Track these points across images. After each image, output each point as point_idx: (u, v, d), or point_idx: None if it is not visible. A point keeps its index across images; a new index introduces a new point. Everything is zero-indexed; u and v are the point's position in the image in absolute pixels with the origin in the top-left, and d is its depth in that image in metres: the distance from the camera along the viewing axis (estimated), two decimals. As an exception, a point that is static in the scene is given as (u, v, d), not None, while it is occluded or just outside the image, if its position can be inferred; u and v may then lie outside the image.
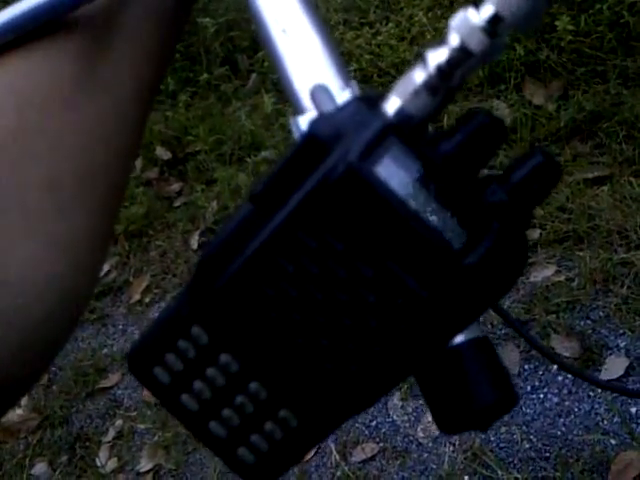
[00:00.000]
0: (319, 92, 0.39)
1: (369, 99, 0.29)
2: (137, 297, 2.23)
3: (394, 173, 0.27)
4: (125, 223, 2.38)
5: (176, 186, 2.46)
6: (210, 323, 0.31)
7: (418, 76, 0.27)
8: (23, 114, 0.34)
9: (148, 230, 2.39)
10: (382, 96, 0.28)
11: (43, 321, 0.33)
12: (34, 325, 0.33)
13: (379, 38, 2.31)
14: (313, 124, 0.28)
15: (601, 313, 1.61)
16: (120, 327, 2.20)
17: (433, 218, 0.27)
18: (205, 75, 2.60)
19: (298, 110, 0.42)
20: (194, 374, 0.32)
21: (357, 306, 0.28)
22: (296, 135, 0.42)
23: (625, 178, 1.79)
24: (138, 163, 2.55)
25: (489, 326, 1.65)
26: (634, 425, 1.42)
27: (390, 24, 2.37)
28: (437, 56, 0.27)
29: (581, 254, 1.70)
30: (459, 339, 0.36)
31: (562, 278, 1.68)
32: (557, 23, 1.98)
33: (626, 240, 1.69)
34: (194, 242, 2.27)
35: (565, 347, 1.57)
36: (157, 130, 2.53)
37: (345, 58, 2.28)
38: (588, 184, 1.82)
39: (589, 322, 1.60)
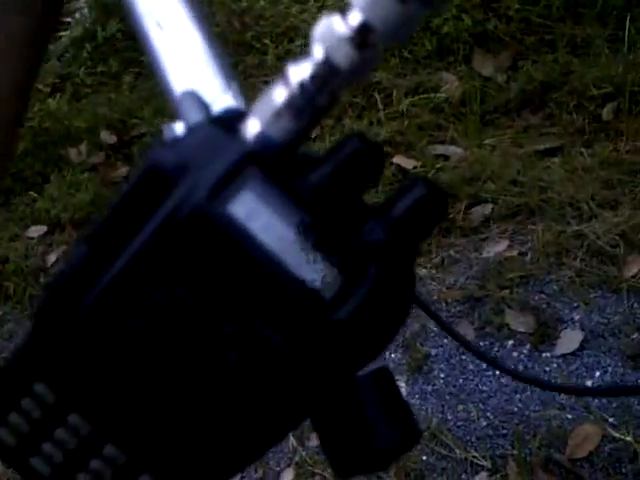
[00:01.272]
0: (187, 100, 0.33)
1: (224, 121, 0.25)
2: (86, 287, 2.17)
3: (254, 212, 0.23)
4: (72, 211, 2.31)
5: (123, 170, 2.39)
6: (55, 380, 0.27)
7: (279, 95, 0.24)
8: None
9: (95, 217, 2.32)
10: (241, 117, 0.24)
11: None
12: None
13: (325, 12, 2.25)
14: (155, 153, 0.24)
15: (555, 287, 1.60)
16: (70, 319, 2.14)
17: (300, 264, 0.23)
18: (148, 55, 2.52)
19: (176, 115, 0.36)
20: (42, 436, 0.28)
21: (217, 366, 0.25)
22: None
23: (576, 149, 1.78)
24: (83, 148, 2.47)
25: (443, 304, 1.63)
26: (589, 398, 1.41)
27: (337, -3, 2.32)
28: (299, 71, 0.23)
29: (533, 228, 1.69)
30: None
31: (515, 253, 1.66)
32: (504, -8, 1.95)
33: (578, 212, 1.68)
34: (143, 228, 2.21)
35: (520, 322, 1.56)
36: (101, 113, 2.45)
37: (291, 34, 2.23)
38: (539, 156, 1.80)
39: (543, 296, 1.59)
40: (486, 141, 1.84)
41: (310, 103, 0.24)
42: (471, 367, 1.56)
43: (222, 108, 0.34)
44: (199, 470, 0.27)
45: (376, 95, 2.00)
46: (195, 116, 0.32)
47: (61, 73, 2.65)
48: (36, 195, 2.40)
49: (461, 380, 1.55)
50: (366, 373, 0.32)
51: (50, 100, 2.55)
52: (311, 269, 0.23)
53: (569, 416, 1.42)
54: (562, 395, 1.44)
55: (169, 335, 0.25)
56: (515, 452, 1.40)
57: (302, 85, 0.24)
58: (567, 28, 1.93)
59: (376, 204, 0.25)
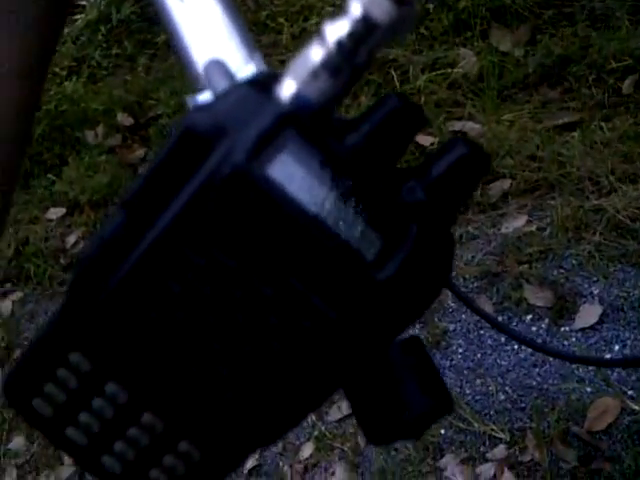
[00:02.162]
0: (213, 69, 0.32)
1: (259, 83, 0.24)
2: (106, 267, 2.19)
3: (292, 174, 0.23)
4: (90, 193, 2.33)
5: (140, 152, 2.40)
6: (91, 349, 0.27)
7: (315, 54, 0.23)
8: None
9: (114, 199, 2.33)
10: (275, 78, 0.24)
11: None
12: None
13: (341, -11, 2.23)
14: (190, 116, 0.24)
15: (574, 261, 1.59)
16: (90, 299, 2.16)
17: (341, 226, 0.23)
18: (163, 36, 2.52)
19: (197, 87, 0.36)
20: (79, 405, 0.28)
21: (257, 329, 0.24)
22: None
23: (595, 123, 1.76)
24: (100, 131, 2.48)
25: (461, 280, 1.62)
26: (609, 371, 1.40)
27: (352, -25, 2.29)
28: (336, 29, 0.23)
29: (552, 203, 1.67)
30: None
31: (534, 228, 1.66)
32: (521, -35, 1.93)
33: (597, 186, 1.67)
34: (161, 209, 2.22)
35: (538, 297, 1.55)
36: (117, 96, 2.46)
37: (306, 12, 2.22)
38: (558, 131, 1.78)
39: (562, 271, 1.58)
40: (504, 117, 1.83)
41: (348, 62, 0.23)
42: (489, 342, 1.56)
43: (256, 71, 0.35)
44: (238, 436, 0.27)
45: (392, 72, 1.99)
46: (222, 84, 0.32)
47: (77, 56, 2.66)
48: (55, 178, 2.42)
49: (479, 355, 1.55)
50: (398, 341, 0.31)
51: (66, 83, 2.56)
52: (351, 230, 0.23)
53: (588, 389, 1.41)
54: (581, 368, 1.43)
55: (209, 300, 0.24)
56: (533, 425, 1.40)
57: (340, 43, 0.23)
58: (586, 0, 1.91)
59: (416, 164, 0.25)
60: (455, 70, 1.92)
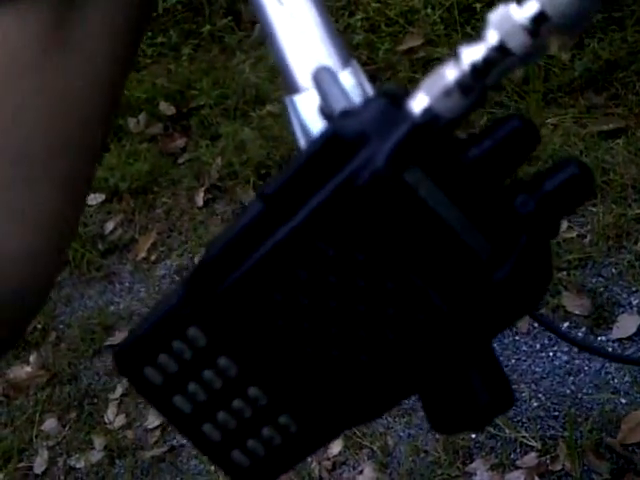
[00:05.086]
0: (323, 74, 0.36)
1: (394, 96, 0.27)
2: (143, 254, 2.22)
3: (422, 180, 0.25)
4: (130, 180, 2.35)
5: (180, 142, 2.42)
6: (209, 325, 0.29)
7: (450, 74, 0.26)
8: None
9: (153, 187, 2.36)
10: (407, 93, 0.27)
11: (9, 294, 0.32)
12: (1, 298, 0.31)
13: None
14: (337, 122, 0.27)
15: (614, 270, 1.57)
16: (127, 285, 2.19)
17: (461, 229, 0.26)
18: (208, 26, 2.54)
19: (293, 88, 0.38)
20: (189, 376, 0.30)
21: (374, 318, 0.27)
22: (292, 115, 0.39)
23: (641, 130, 1.73)
24: (142, 119, 2.50)
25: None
26: (645, 384, 1.39)
27: (399, -29, 2.28)
28: (472, 53, 0.25)
29: (594, 209, 1.66)
30: None
31: (574, 234, 1.64)
32: (572, -33, 1.90)
33: (641, 195, 1.64)
34: (199, 199, 2.24)
35: (576, 305, 1.54)
36: (160, 84, 2.48)
37: (352, 7, 2.21)
38: (602, 137, 1.76)
39: (601, 279, 1.57)
40: (548, 120, 1.81)
41: (479, 83, 0.25)
42: (524, 348, 1.55)
43: (353, 75, 0.38)
44: (335, 414, 0.30)
45: (436, 71, 1.98)
46: (333, 90, 0.35)
47: (122, 43, 2.68)
48: (95, 164, 2.45)
49: (514, 360, 1.54)
50: None
51: (111, 70, 2.59)
52: (469, 233, 0.26)
53: (623, 400, 1.40)
54: (616, 379, 1.42)
55: (334, 288, 0.27)
56: (566, 434, 1.39)
57: (474, 66, 0.25)
58: (636, 6, 1.88)
59: (526, 179, 0.27)
60: (500, 71, 1.90)
